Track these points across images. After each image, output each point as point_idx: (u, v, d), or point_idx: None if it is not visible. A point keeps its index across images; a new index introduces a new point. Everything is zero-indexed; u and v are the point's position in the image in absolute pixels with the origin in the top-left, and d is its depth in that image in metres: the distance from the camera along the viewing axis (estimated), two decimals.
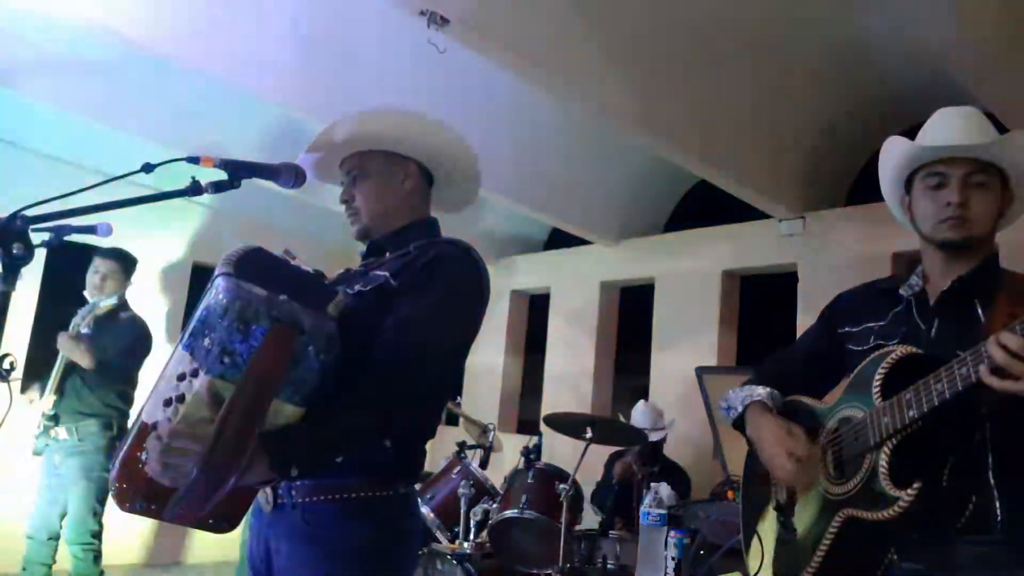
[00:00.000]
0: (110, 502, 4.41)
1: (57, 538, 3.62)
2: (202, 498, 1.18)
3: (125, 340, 3.71)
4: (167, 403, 1.22)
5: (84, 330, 3.63)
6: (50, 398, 3.58)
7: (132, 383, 3.81)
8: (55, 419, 3.58)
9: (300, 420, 1.30)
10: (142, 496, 1.24)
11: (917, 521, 1.31)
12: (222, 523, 1.32)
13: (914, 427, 1.32)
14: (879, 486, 1.35)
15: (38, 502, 3.65)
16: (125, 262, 3.82)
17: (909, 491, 1.29)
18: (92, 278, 3.74)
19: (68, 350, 3.56)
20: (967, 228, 1.46)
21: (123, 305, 3.81)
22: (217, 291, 1.21)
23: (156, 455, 1.17)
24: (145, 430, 1.22)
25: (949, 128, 1.50)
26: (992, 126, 1.52)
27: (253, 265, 1.28)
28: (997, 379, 1.21)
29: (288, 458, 1.26)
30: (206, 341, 1.20)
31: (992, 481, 1.33)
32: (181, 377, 1.22)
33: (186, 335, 1.23)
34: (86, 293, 3.74)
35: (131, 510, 1.25)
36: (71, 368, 3.60)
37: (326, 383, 1.33)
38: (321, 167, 1.70)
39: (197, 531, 5.34)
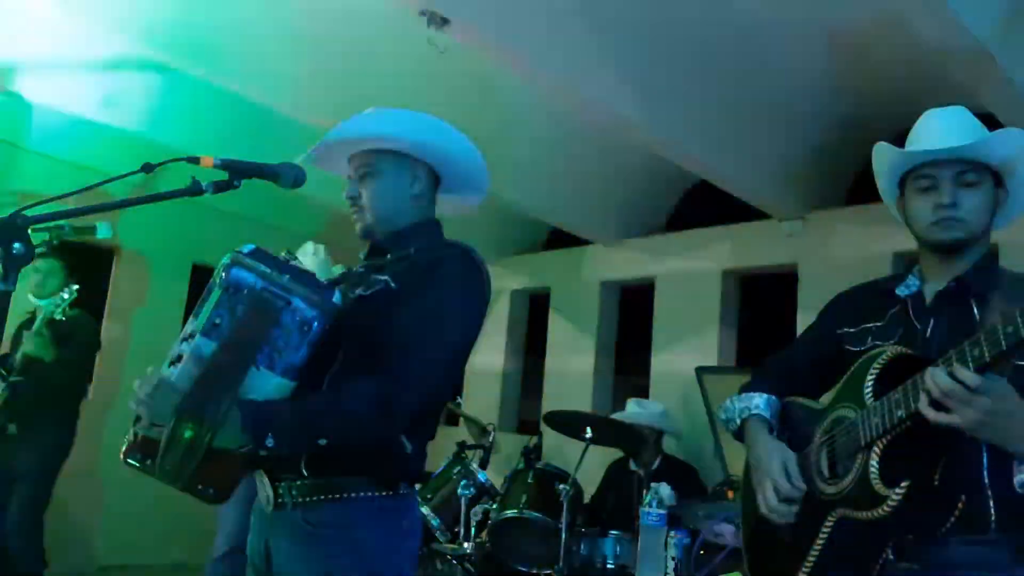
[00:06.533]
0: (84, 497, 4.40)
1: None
2: (181, 451, 1.28)
3: (78, 336, 3.72)
4: (172, 362, 1.38)
5: (58, 319, 3.60)
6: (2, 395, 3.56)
7: (85, 377, 3.82)
8: (6, 415, 3.56)
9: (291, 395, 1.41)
10: (139, 450, 1.38)
11: (909, 521, 1.31)
12: (208, 490, 1.40)
13: (903, 427, 1.32)
14: (870, 486, 1.34)
15: None
16: (65, 261, 3.79)
17: (897, 490, 1.28)
18: (34, 277, 3.71)
19: (34, 351, 3.52)
20: (959, 228, 1.46)
21: (70, 303, 3.78)
22: (221, 268, 1.38)
23: (142, 391, 1.32)
24: None
25: (935, 130, 1.50)
26: (981, 125, 1.51)
27: (259, 254, 1.42)
28: (933, 411, 1.23)
29: (263, 424, 1.33)
30: (205, 307, 1.38)
31: (987, 480, 1.33)
32: (185, 339, 1.37)
33: (199, 303, 1.41)
34: (29, 294, 3.70)
35: (130, 463, 1.39)
36: (27, 364, 3.56)
37: (315, 361, 1.42)
38: (328, 157, 1.70)
39: (199, 533, 5.31)
